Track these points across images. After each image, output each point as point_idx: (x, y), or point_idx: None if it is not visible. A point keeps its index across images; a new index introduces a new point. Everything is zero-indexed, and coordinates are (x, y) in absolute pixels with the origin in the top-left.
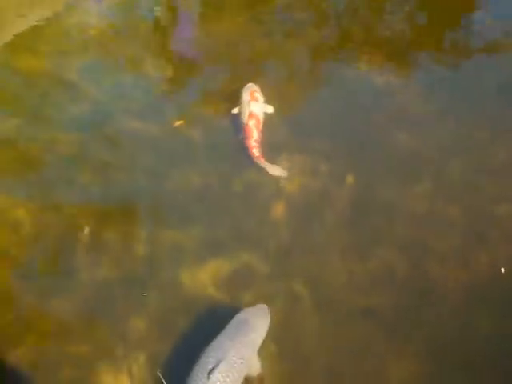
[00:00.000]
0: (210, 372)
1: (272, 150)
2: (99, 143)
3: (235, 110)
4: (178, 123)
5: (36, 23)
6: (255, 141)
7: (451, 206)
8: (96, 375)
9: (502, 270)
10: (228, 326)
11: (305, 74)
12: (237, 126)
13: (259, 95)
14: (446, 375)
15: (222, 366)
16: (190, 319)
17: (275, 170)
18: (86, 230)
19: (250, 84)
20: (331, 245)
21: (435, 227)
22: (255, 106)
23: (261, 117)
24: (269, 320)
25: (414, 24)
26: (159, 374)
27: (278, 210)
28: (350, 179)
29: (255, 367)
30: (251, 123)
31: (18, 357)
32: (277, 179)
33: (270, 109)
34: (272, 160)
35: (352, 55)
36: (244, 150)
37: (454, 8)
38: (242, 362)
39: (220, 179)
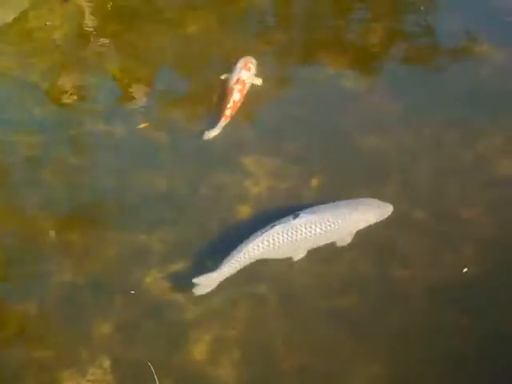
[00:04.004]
0: (297, 216)
1: (240, 151)
2: (63, 145)
3: (224, 76)
4: (143, 125)
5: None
6: (234, 101)
7: (417, 208)
8: (60, 381)
9: (465, 270)
10: (351, 201)
11: (272, 77)
12: (221, 91)
13: (253, 67)
14: (412, 375)
15: (313, 217)
16: (157, 323)
17: (214, 131)
18: (52, 233)
19: (248, 56)
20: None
21: (401, 229)
22: (245, 74)
23: (247, 86)
24: (382, 217)
25: (380, 28)
26: (149, 365)
27: (245, 212)
28: (316, 182)
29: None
30: (236, 87)
31: None
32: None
33: (259, 81)
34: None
35: (319, 58)
36: (217, 113)
37: (419, 12)
38: (330, 228)
39: (186, 181)
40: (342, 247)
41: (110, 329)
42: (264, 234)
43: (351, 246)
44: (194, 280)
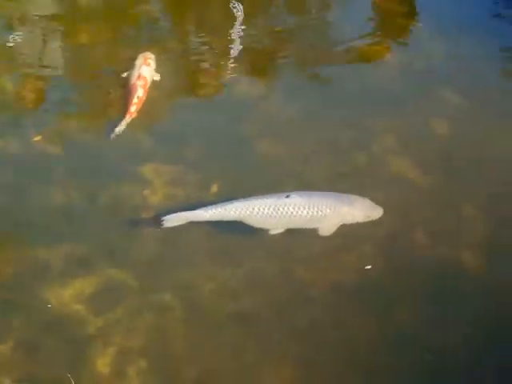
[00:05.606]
0: (289, 196)
1: (137, 160)
2: None
3: (125, 74)
4: (36, 138)
5: None
6: (138, 97)
7: None
8: None
9: (368, 266)
10: (344, 194)
11: (168, 85)
12: (124, 89)
13: (152, 62)
14: (321, 378)
15: (303, 200)
16: (57, 339)
17: (120, 128)
18: None
19: (147, 52)
20: (199, 253)
21: (300, 232)
22: (145, 69)
23: (149, 81)
24: (370, 218)
25: (275, 32)
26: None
27: (145, 221)
28: (216, 188)
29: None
30: (139, 83)
31: None
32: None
33: (158, 76)
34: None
35: (215, 65)
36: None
37: (313, 15)
38: (317, 214)
39: (84, 193)
40: (244, 251)
41: (10, 347)
42: (251, 201)
43: (252, 249)
44: (166, 217)
